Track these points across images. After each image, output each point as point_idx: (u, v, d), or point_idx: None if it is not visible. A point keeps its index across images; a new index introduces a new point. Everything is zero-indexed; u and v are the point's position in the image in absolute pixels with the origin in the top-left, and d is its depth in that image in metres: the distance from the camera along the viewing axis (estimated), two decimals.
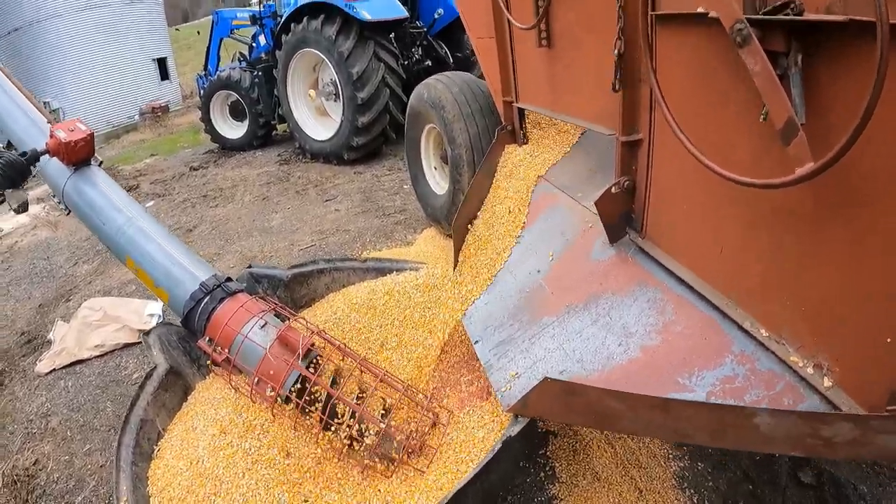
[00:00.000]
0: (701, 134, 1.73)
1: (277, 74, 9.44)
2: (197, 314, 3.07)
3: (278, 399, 2.75)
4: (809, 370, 1.52)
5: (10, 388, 4.53)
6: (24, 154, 3.21)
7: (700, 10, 1.66)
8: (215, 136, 11.22)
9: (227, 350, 2.91)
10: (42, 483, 3.47)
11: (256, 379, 2.73)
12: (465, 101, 4.61)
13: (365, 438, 2.66)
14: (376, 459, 2.62)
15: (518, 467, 2.70)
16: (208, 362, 3.06)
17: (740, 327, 1.76)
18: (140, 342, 4.86)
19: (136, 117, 18.15)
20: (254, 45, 11.39)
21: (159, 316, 5.27)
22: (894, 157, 1.26)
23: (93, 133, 3.48)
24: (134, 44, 17.94)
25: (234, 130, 11.15)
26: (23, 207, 3.44)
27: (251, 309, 3.02)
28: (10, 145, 3.80)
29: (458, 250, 3.53)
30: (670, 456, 2.86)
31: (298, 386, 2.76)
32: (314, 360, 2.90)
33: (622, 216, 2.44)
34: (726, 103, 1.71)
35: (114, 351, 4.87)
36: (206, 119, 11.07)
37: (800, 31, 1.37)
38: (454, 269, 3.46)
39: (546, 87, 3.10)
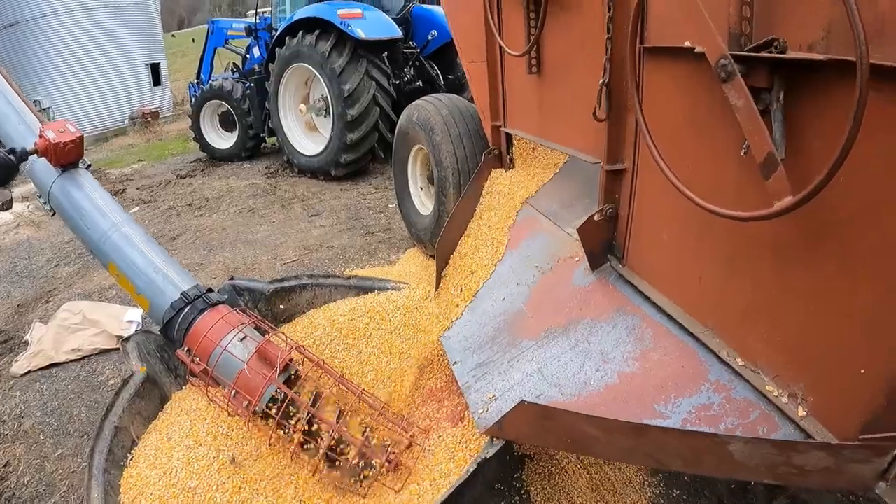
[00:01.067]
0: (684, 165, 1.75)
1: (269, 87, 9.46)
2: (177, 324, 3.06)
3: (255, 413, 2.73)
4: (784, 399, 1.54)
5: None
6: (11, 151, 3.18)
7: (687, 44, 1.69)
8: (204, 146, 11.19)
9: (205, 361, 2.88)
10: (12, 486, 3.43)
11: (233, 392, 2.71)
12: (454, 124, 4.65)
13: (346, 457, 2.65)
14: (352, 479, 2.61)
15: (492, 490, 2.69)
16: (187, 373, 3.03)
17: (717, 356, 1.78)
18: (118, 348, 4.81)
19: (126, 121, 18.04)
20: (248, 56, 11.43)
21: (138, 323, 5.18)
22: (870, 193, 1.29)
23: (82, 136, 3.46)
24: (128, 48, 17.83)
25: (223, 140, 11.13)
26: (7, 205, 3.41)
27: (231, 321, 3.00)
28: None
29: (440, 271, 3.54)
30: (645, 483, 2.86)
31: (277, 401, 2.75)
32: (292, 376, 2.88)
33: (604, 244, 2.46)
34: (709, 136, 1.74)
35: (91, 356, 4.81)
36: (196, 128, 11.05)
37: (782, 68, 1.40)
38: (436, 289, 3.47)
39: (534, 113, 3.14)
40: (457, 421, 2.62)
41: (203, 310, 3.07)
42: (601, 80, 2.13)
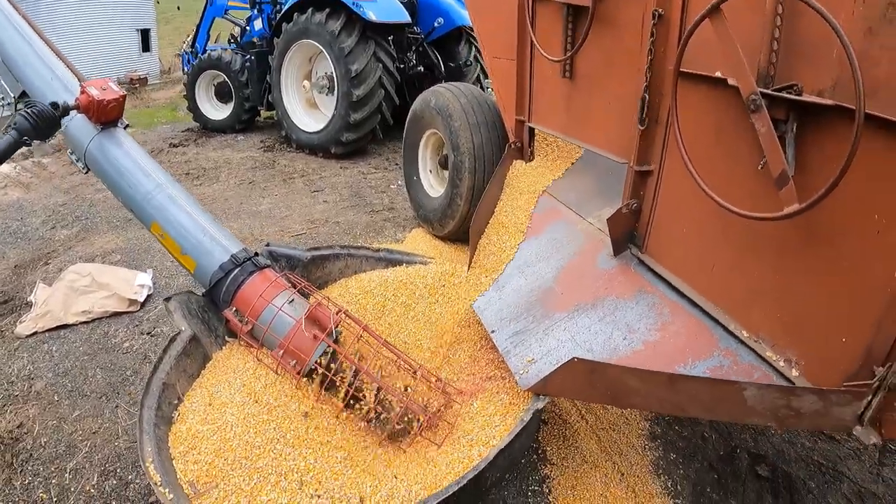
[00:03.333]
0: (707, 172, 2.22)
1: (272, 61, 9.73)
2: (225, 285, 3.26)
3: (301, 371, 3.06)
4: (781, 363, 2.02)
5: None
6: (55, 105, 3.21)
7: (719, 74, 2.16)
8: (197, 116, 11.36)
9: (254, 321, 3.17)
10: (28, 447, 3.48)
11: (282, 352, 3.05)
12: (472, 112, 5.08)
13: (387, 414, 3.03)
14: (398, 431, 3.00)
15: (533, 440, 3.13)
16: (228, 334, 3.33)
17: (725, 329, 2.27)
18: (130, 311, 5.00)
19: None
20: (248, 28, 11.60)
21: (150, 286, 5.40)
22: (856, 204, 1.77)
23: (125, 95, 3.56)
24: (119, 11, 17.83)
25: (217, 112, 11.33)
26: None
27: (280, 284, 3.31)
28: (24, 95, 3.91)
29: (473, 252, 3.98)
30: (646, 447, 3.37)
31: (324, 360, 3.08)
32: (337, 338, 3.25)
33: (626, 233, 2.93)
34: (731, 150, 2.21)
35: (101, 318, 4.91)
36: (191, 97, 11.22)
37: (798, 106, 1.87)
38: (468, 268, 3.91)
39: (562, 112, 3.59)
40: (490, 383, 3.07)
41: (252, 272, 3.30)
42: (642, 95, 2.59)
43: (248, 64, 10.58)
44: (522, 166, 4.15)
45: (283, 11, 9.61)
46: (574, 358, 2.26)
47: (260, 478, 2.51)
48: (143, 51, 19.00)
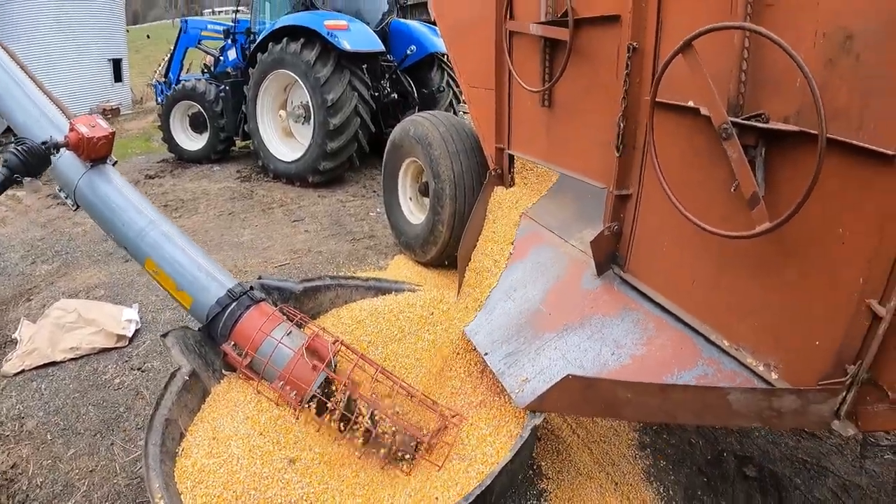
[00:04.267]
0: (683, 194, 2.40)
1: (248, 91, 9.89)
2: (222, 320, 3.38)
3: (302, 401, 3.13)
4: (761, 368, 2.19)
5: None
6: (44, 143, 3.32)
7: (692, 104, 2.35)
8: (172, 147, 11.45)
9: (253, 354, 3.27)
10: (24, 488, 3.45)
11: (281, 383, 3.14)
12: (452, 140, 5.26)
13: (387, 439, 3.14)
14: (398, 456, 3.11)
15: (530, 457, 3.27)
16: (225, 367, 3.42)
17: (708, 340, 2.44)
18: (118, 346, 5.01)
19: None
20: (221, 58, 11.79)
21: (137, 321, 5.40)
22: (822, 221, 1.95)
23: (114, 132, 3.63)
24: (92, 41, 17.84)
25: (192, 142, 11.42)
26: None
27: (277, 317, 3.42)
28: (8, 131, 3.97)
29: (461, 278, 4.14)
30: (637, 456, 3.52)
31: (320, 391, 3.18)
32: (334, 368, 3.33)
33: (609, 254, 3.10)
34: (704, 173, 2.39)
35: (90, 355, 4.90)
36: (166, 128, 11.32)
37: (766, 133, 2.06)
38: (458, 294, 4.07)
39: (542, 139, 3.78)
40: (484, 407, 3.21)
41: (249, 306, 3.42)
42: (618, 123, 2.78)
43: (222, 94, 10.72)
44: (503, 192, 4.33)
45: (257, 42, 9.81)
46: (568, 375, 2.42)
47: None
48: (115, 81, 19.04)
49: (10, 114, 3.81)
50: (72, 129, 3.44)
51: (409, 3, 13.50)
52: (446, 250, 5.40)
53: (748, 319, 2.28)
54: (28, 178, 3.42)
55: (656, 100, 2.43)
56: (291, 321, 3.46)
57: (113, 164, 3.79)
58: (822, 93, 1.78)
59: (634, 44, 2.64)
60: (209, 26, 12.87)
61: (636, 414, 2.47)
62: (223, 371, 3.44)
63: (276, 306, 3.62)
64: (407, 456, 3.11)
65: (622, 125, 2.77)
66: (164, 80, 13.36)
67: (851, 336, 1.90)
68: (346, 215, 8.15)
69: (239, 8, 11.74)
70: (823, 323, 1.99)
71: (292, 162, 9.50)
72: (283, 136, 10.07)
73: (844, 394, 1.93)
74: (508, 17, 3.76)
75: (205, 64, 13.30)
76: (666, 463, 3.46)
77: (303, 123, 9.50)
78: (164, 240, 3.57)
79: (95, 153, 3.54)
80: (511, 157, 4.33)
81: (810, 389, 1.94)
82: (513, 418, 2.96)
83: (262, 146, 9.92)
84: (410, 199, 6.22)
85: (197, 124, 11.31)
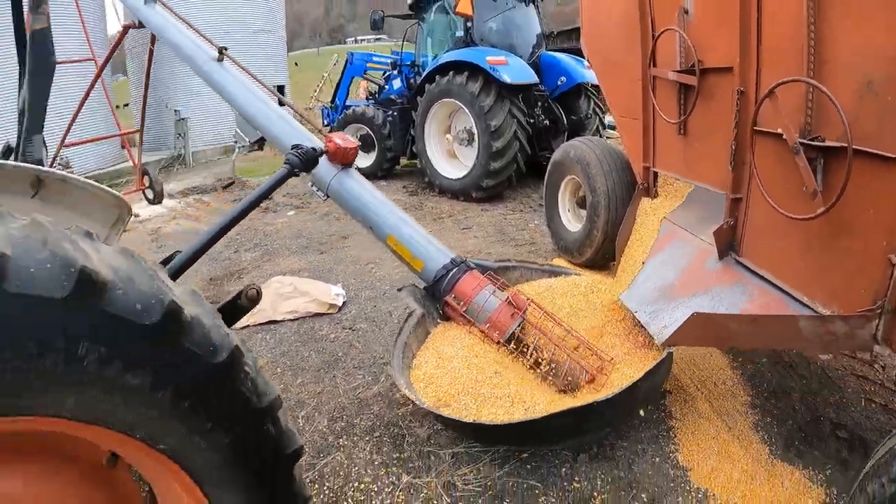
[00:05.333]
0: (773, 194, 3.61)
1: (416, 117, 11.77)
2: (446, 280, 4.66)
3: (503, 337, 4.47)
4: (827, 312, 3.38)
5: None
6: (313, 149, 4.29)
7: (778, 130, 3.58)
8: None
9: (468, 304, 4.62)
10: None
11: (488, 325, 4.56)
12: (606, 161, 6.61)
13: (564, 367, 4.39)
14: (569, 382, 4.38)
15: (667, 375, 4.54)
16: (440, 317, 4.79)
17: (794, 298, 3.65)
18: (330, 312, 6.53)
19: (255, 137, 21.03)
20: (386, 87, 13.83)
21: (343, 294, 6.93)
22: (859, 206, 3.14)
23: (359, 145, 4.99)
24: (258, 70, 20.65)
25: (361, 160, 13.35)
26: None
27: (485, 280, 4.77)
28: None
29: (618, 264, 5.52)
30: (748, 411, 4.63)
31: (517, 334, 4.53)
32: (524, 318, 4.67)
33: (727, 243, 4.32)
34: (787, 179, 3.61)
35: (305, 317, 6.25)
36: None
37: (822, 149, 3.28)
38: (615, 276, 5.41)
39: (679, 159, 5.05)
40: (630, 355, 4.50)
41: (466, 271, 4.71)
42: (731, 145, 4.03)
43: (390, 118, 12.69)
44: (649, 201, 5.62)
45: (424, 74, 11.60)
46: (694, 312, 3.69)
47: (482, 400, 3.96)
48: (280, 105, 21.67)
49: (266, 128, 5.26)
50: (330, 141, 4.76)
51: (555, 32, 15.05)
52: (600, 252, 6.74)
53: (817, 279, 3.48)
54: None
55: (755, 128, 3.68)
56: (495, 285, 4.87)
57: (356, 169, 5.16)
58: (855, 119, 2.99)
59: (741, 88, 3.90)
60: (374, 58, 14.98)
61: (740, 341, 3.69)
62: (438, 320, 4.88)
63: (487, 273, 4.99)
64: (575, 382, 4.40)
65: (734, 147, 4.02)
66: (331, 105, 15.63)
67: (880, 280, 3.06)
68: (509, 226, 9.64)
69: (379, 37, 13.90)
70: (862, 273, 3.16)
71: (457, 179, 11.17)
72: (448, 157, 11.77)
73: (877, 321, 3.09)
74: (652, 64, 5.08)
75: (369, 91, 15.42)
76: (771, 420, 4.53)
77: (466, 146, 11.16)
78: (402, 223, 4.93)
79: (346, 159, 4.86)
80: (655, 174, 5.61)
81: (852, 315, 3.11)
82: (653, 363, 4.22)
83: (430, 165, 11.71)
84: (568, 210, 7.61)
85: (365, 144, 13.23)
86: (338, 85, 15.76)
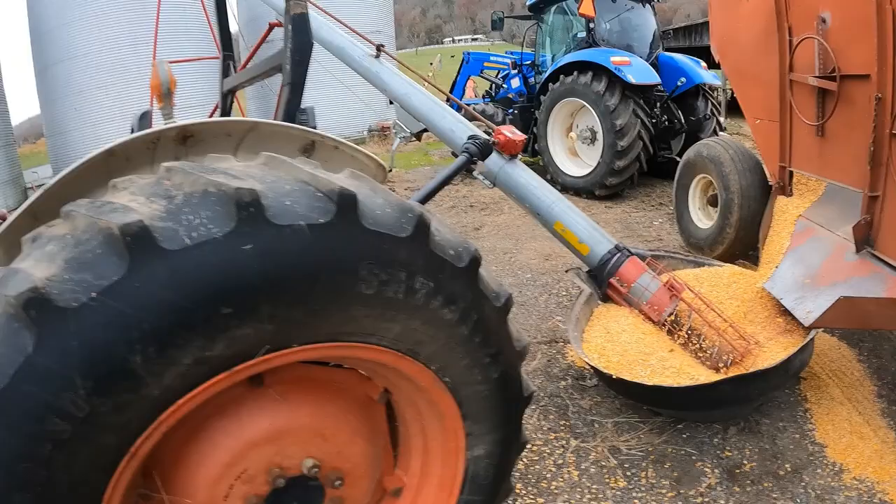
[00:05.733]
0: None
1: (539, 115, 12.41)
2: (611, 264, 5.11)
3: (663, 317, 5.00)
4: None
5: None
6: (488, 140, 4.80)
7: None
8: None
9: (630, 286, 5.16)
10: None
11: (649, 305, 5.08)
12: (739, 160, 7.07)
13: (715, 345, 4.90)
14: (720, 359, 4.86)
15: (811, 355, 4.99)
16: (602, 298, 5.37)
17: None
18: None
19: (365, 133, 22.19)
20: (504, 86, 14.48)
21: None
22: None
23: (526, 138, 5.42)
24: None
25: None
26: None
27: (646, 266, 5.30)
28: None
29: (761, 257, 6.06)
30: (876, 399, 5.03)
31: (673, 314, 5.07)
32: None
33: (865, 237, 4.76)
34: None
35: None
36: None
37: None
38: (759, 268, 5.93)
39: (815, 159, 5.49)
40: (772, 341, 5.00)
41: (629, 256, 5.13)
42: (870, 147, 4.49)
43: (510, 116, 13.33)
44: (784, 200, 6.08)
45: (548, 73, 12.19)
46: (841, 296, 4.20)
47: (652, 371, 4.55)
48: (390, 103, 22.85)
49: (434, 124, 5.82)
50: (499, 133, 5.10)
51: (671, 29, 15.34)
52: (732, 248, 7.21)
53: None
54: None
55: (892, 131, 4.15)
56: (654, 271, 5.42)
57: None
58: None
59: (879, 94, 4.36)
60: (491, 58, 15.68)
61: (882, 322, 4.18)
62: (599, 300, 5.44)
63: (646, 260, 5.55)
64: (727, 361, 4.89)
65: (872, 149, 4.48)
66: (447, 103, 16.36)
67: None
68: (634, 223, 10.13)
69: (476, 36, 14.56)
70: None
71: (580, 177, 11.73)
72: (569, 155, 12.33)
73: None
74: (790, 69, 5.55)
75: (487, 91, 16.12)
76: None
77: (588, 144, 11.71)
78: (569, 210, 5.33)
79: (513, 150, 5.19)
80: (790, 173, 6.05)
81: None
82: (793, 348, 4.72)
83: (552, 162, 12.33)
84: (699, 208, 8.10)
85: None
86: (453, 84, 16.51)
